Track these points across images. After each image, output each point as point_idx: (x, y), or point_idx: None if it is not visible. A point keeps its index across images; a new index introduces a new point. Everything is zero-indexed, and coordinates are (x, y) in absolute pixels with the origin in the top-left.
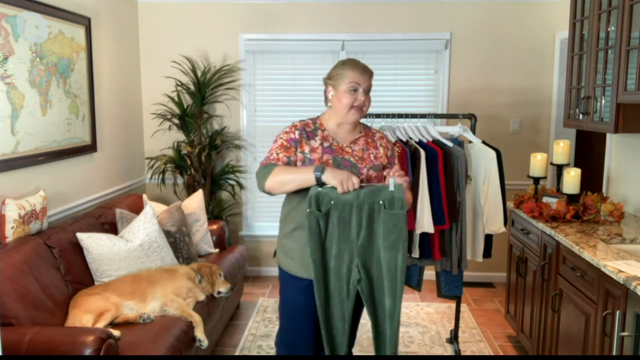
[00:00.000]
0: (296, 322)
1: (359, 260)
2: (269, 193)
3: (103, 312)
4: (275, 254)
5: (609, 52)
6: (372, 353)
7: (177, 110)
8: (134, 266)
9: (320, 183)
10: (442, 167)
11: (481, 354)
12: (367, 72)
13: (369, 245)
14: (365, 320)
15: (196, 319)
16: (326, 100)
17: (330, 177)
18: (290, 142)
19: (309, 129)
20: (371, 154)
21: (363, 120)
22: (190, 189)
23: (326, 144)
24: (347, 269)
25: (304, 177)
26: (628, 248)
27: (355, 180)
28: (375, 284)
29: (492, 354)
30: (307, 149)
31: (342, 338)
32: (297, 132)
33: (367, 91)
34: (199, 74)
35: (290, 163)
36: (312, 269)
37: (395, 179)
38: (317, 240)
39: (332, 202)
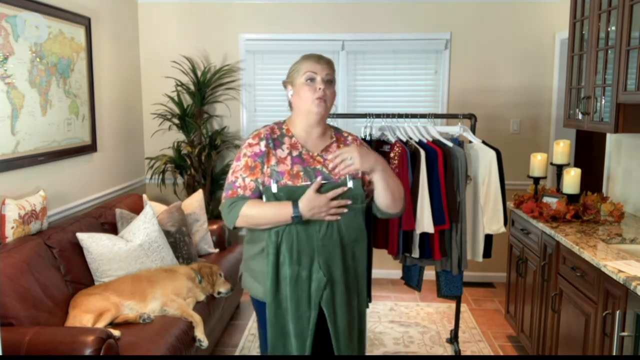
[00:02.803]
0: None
1: (321, 259)
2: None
3: (103, 312)
4: (240, 277)
5: (609, 52)
6: (372, 353)
7: (177, 110)
8: (134, 266)
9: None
10: (442, 167)
11: (481, 354)
12: (323, 61)
13: (330, 243)
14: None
15: (196, 319)
16: (290, 104)
17: (309, 214)
18: (255, 159)
19: (275, 136)
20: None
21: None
22: (190, 189)
23: (295, 153)
24: (308, 273)
25: (278, 218)
26: (628, 248)
27: (332, 204)
28: (336, 287)
29: (492, 354)
30: (274, 161)
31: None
32: (262, 143)
33: (327, 81)
34: (199, 74)
35: (258, 187)
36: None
37: (348, 177)
38: (273, 251)
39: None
